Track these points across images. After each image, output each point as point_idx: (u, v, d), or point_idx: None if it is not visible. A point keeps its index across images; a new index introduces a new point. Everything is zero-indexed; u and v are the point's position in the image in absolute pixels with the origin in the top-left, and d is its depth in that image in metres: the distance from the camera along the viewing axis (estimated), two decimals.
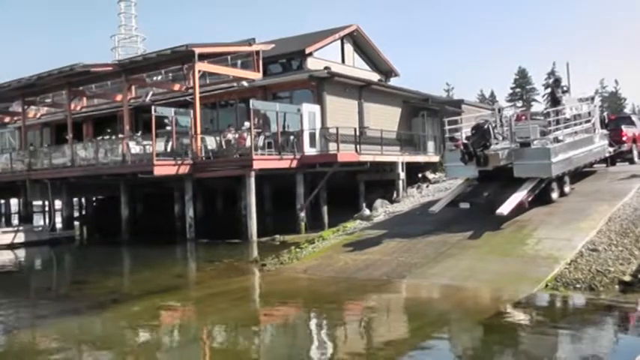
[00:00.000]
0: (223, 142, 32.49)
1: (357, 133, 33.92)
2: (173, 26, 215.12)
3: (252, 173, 29.15)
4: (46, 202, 44.04)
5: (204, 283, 20.78)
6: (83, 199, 52.39)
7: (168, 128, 32.50)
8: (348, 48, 46.95)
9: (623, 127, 29.96)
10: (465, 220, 21.87)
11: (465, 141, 21.91)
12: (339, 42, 45.90)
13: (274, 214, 34.61)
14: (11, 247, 32.95)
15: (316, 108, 34.67)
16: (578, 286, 14.97)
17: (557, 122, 23.75)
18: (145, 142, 32.33)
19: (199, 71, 33.52)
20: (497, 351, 11.52)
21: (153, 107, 31.84)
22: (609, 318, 13.15)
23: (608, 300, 14.04)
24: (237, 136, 32.11)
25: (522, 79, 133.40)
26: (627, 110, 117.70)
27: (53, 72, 35.85)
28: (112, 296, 18.42)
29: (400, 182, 34.45)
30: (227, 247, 28.51)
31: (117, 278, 23.12)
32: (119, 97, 39.86)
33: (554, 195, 22.71)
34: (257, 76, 37.26)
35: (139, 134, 35.93)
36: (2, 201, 51.91)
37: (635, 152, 30.26)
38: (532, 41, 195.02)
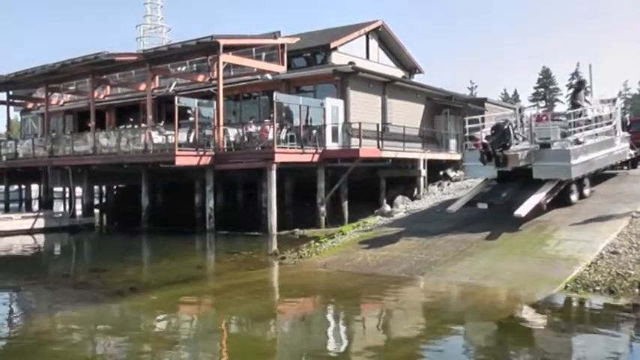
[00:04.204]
0: (245, 135, 32.56)
1: (380, 129, 33.81)
2: (198, 17, 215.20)
3: (274, 166, 29.19)
4: (67, 189, 44.30)
5: (223, 275, 20.89)
6: (104, 187, 52.68)
7: (191, 119, 32.59)
8: (373, 44, 46.82)
9: None
10: (484, 220, 21.86)
11: (485, 141, 21.82)
12: (364, 37, 45.76)
13: (294, 207, 34.65)
14: (31, 232, 33.20)
15: (339, 103, 34.66)
16: (597, 288, 14.89)
17: (578, 124, 23.63)
18: (167, 132, 32.48)
19: (224, 63, 33.59)
20: (513, 351, 11.52)
21: (176, 98, 31.92)
22: (628, 321, 13.07)
23: (627, 303, 13.98)
24: (259, 128, 32.15)
25: (546, 79, 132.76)
26: None
27: (77, 60, 35.96)
28: (130, 285, 18.43)
29: (421, 179, 34.33)
30: (246, 240, 28.59)
31: (136, 267, 23.21)
32: (143, 87, 39.98)
33: (574, 197, 22.62)
34: (281, 69, 37.34)
35: (161, 124, 36.06)
36: (23, 186, 52.19)
37: None
38: (556, 41, 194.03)
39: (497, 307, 14.62)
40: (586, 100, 25.95)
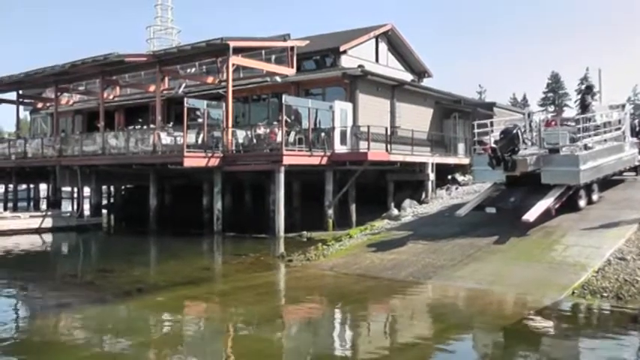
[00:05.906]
0: (254, 137, 32.55)
1: (388, 133, 33.80)
2: (208, 19, 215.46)
3: (282, 168, 29.17)
4: (75, 189, 44.34)
5: (230, 277, 20.88)
6: (112, 188, 52.75)
7: (200, 120, 32.59)
8: (383, 47, 46.72)
9: None
10: (492, 224, 21.79)
11: (494, 145, 21.77)
12: (373, 41, 45.63)
13: (302, 210, 34.65)
14: (39, 231, 33.34)
15: (348, 106, 34.62)
16: (605, 294, 14.84)
17: (587, 129, 23.56)
18: (176, 134, 32.49)
19: (233, 65, 33.60)
20: (520, 357, 11.49)
21: (185, 99, 32.03)
22: (635, 328, 13.04)
23: (634, 310, 13.94)
24: (268, 130, 32.15)
25: (555, 84, 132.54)
26: None
27: (87, 60, 36.06)
28: (137, 285, 18.55)
29: (429, 183, 34.29)
30: (254, 242, 28.61)
31: (143, 268, 23.23)
32: (152, 88, 40.10)
33: (582, 203, 22.51)
34: (290, 71, 37.36)
35: (170, 125, 36.11)
36: (32, 186, 52.36)
37: None
38: (566, 46, 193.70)
39: (505, 313, 14.59)
40: (591, 104, 25.92)
